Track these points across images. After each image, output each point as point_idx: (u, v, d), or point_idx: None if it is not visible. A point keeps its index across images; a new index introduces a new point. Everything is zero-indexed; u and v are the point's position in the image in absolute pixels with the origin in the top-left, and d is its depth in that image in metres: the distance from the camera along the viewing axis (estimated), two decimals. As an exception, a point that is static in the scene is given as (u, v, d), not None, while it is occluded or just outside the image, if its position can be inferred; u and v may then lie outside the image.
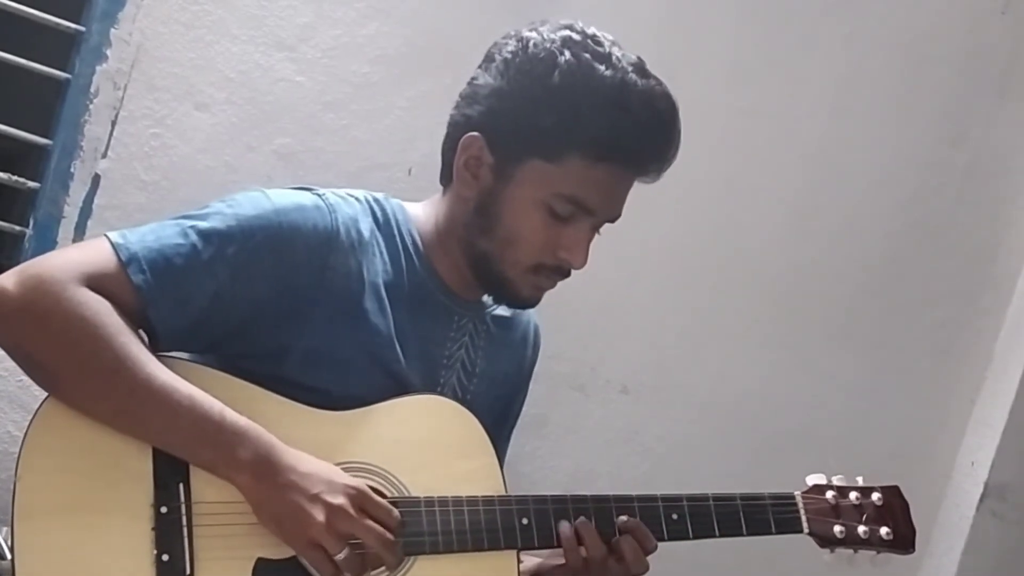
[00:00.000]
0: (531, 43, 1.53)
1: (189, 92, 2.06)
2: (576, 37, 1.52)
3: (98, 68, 2.00)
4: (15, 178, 2.00)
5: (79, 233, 2.00)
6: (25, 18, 2.00)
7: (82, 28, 2.01)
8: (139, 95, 2.03)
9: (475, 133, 1.54)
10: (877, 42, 2.53)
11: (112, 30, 2.00)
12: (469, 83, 1.58)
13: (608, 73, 1.50)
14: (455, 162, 1.56)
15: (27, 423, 1.39)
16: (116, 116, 2.02)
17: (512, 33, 1.57)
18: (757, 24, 2.44)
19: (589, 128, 1.49)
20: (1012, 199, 2.64)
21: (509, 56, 1.53)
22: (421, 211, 1.64)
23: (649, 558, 1.58)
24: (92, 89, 2.00)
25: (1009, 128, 2.63)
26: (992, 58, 2.61)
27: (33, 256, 1.93)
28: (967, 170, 2.62)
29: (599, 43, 1.52)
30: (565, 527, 1.54)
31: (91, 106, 2.00)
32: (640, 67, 1.53)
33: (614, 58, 1.51)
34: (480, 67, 1.58)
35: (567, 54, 1.50)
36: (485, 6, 2.21)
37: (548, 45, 1.51)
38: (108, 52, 2.00)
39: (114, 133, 2.02)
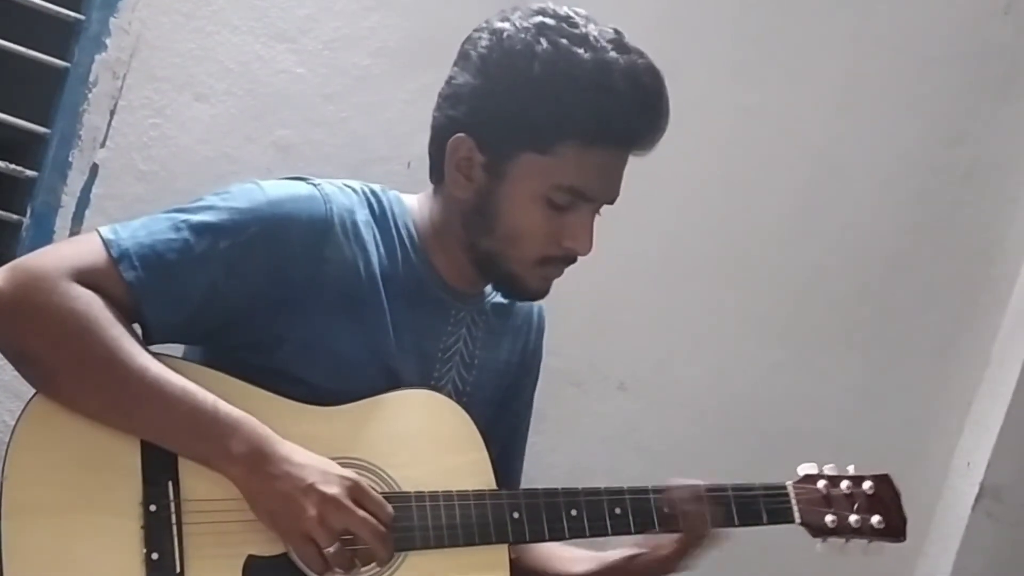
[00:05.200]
0: (505, 35, 1.50)
1: (189, 82, 2.06)
2: (550, 22, 1.50)
3: (97, 57, 1.99)
4: (13, 167, 1.99)
5: (76, 223, 1.99)
6: (25, 6, 1.99)
7: (82, 17, 2.00)
8: (138, 85, 2.02)
9: (462, 134, 1.53)
10: (879, 42, 2.52)
11: (112, 19, 2.00)
12: (448, 82, 1.57)
13: (588, 56, 1.48)
14: (446, 165, 1.55)
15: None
16: (115, 106, 2.01)
17: (484, 25, 1.55)
18: (760, 23, 2.43)
19: (576, 114, 1.48)
20: (1013, 200, 2.63)
21: (485, 52, 1.51)
22: (417, 204, 1.64)
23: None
24: (91, 78, 1.99)
25: (1011, 129, 2.62)
26: (994, 59, 2.61)
27: (31, 245, 1.93)
28: (968, 171, 2.61)
29: (574, 24, 1.50)
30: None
31: (90, 95, 1.99)
32: (619, 42, 1.51)
33: (591, 38, 1.49)
34: (456, 65, 1.56)
35: (543, 42, 1.48)
36: None
37: (524, 36, 1.49)
38: (108, 41, 2.00)
39: (113, 123, 2.01)
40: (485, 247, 1.56)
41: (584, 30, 1.50)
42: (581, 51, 1.48)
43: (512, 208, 1.53)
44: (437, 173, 1.59)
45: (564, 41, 1.48)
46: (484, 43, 1.52)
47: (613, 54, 1.49)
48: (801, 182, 2.51)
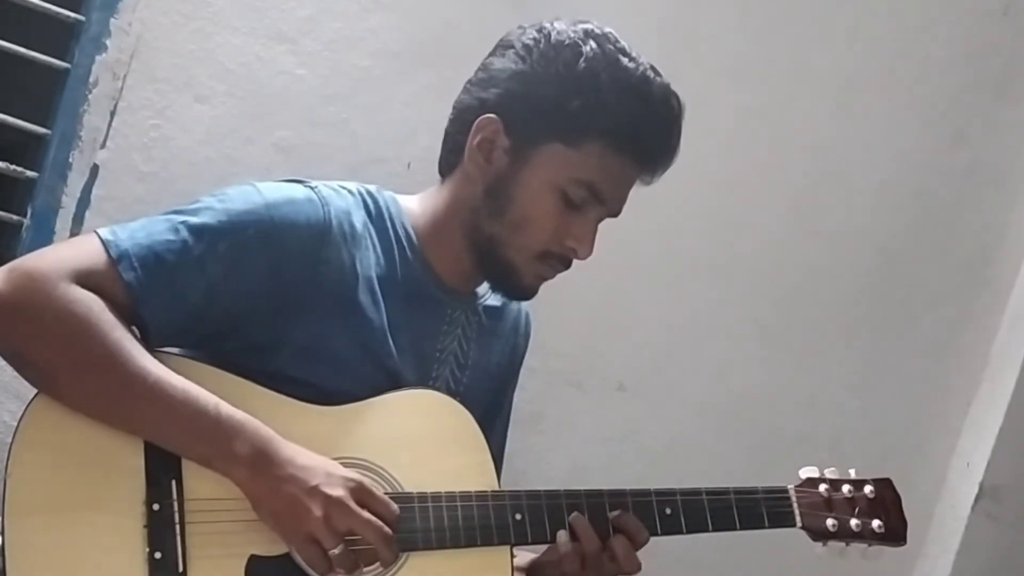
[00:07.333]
0: (553, 32, 1.55)
1: (189, 83, 2.06)
2: (597, 31, 1.55)
3: (98, 58, 2.00)
4: (13, 167, 1.99)
5: (77, 224, 1.99)
6: (25, 7, 2.00)
7: (82, 17, 2.00)
8: (139, 86, 2.03)
9: (492, 115, 1.54)
10: (878, 42, 2.53)
11: (112, 20, 2.00)
12: (482, 68, 1.59)
13: (632, 65, 1.53)
14: (467, 143, 1.56)
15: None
16: (115, 106, 2.01)
17: (528, 25, 1.58)
18: (758, 23, 2.43)
19: (613, 115, 1.51)
20: (1011, 200, 2.64)
21: (531, 42, 1.55)
22: (416, 204, 1.64)
23: (643, 553, 1.59)
24: (91, 79, 1.99)
25: (1009, 130, 2.62)
26: (993, 59, 2.61)
27: (31, 246, 1.93)
28: (966, 172, 2.62)
29: (617, 40, 1.55)
30: (563, 535, 1.53)
31: (90, 96, 2.00)
32: (654, 68, 1.56)
33: (634, 53, 1.54)
34: (494, 54, 1.59)
35: (592, 43, 1.53)
36: (487, 0, 2.20)
37: (572, 35, 1.54)
38: (108, 42, 2.00)
39: (113, 123, 2.01)
40: (489, 231, 1.57)
41: (625, 45, 1.55)
42: (625, 60, 1.53)
43: (527, 194, 1.54)
44: (450, 159, 1.61)
45: (610, 47, 1.53)
46: (530, 35, 1.56)
47: (651, 73, 1.54)
48: (800, 182, 2.51)
